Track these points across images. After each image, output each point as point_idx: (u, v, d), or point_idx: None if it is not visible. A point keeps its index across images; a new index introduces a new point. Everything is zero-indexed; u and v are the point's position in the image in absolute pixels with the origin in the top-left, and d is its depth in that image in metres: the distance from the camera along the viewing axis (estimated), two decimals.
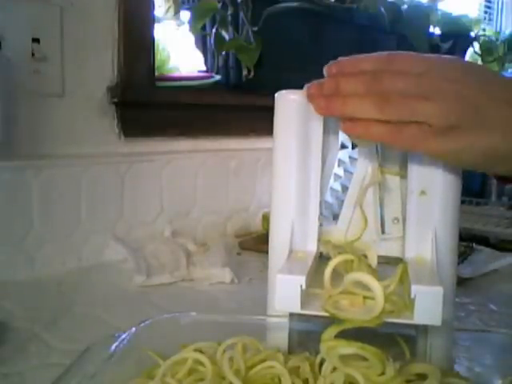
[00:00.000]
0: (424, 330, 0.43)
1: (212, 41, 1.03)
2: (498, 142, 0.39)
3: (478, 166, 0.42)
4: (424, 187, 0.45)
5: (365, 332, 0.37)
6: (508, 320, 0.60)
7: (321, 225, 0.47)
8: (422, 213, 0.45)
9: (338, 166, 0.48)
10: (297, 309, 0.39)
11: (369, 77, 0.40)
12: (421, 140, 0.39)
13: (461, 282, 0.69)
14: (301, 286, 0.39)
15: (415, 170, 0.45)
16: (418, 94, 0.39)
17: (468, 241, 0.86)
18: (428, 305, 0.37)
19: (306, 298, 0.40)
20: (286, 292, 0.39)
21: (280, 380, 0.37)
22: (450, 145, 0.39)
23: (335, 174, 0.48)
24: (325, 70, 0.43)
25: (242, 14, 0.99)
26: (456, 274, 0.46)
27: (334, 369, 0.37)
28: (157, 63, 0.93)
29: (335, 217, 0.48)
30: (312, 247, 0.47)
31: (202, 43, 1.10)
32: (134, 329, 0.39)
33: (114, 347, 0.37)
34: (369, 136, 0.41)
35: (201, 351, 0.39)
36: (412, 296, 0.37)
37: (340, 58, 0.43)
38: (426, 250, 0.44)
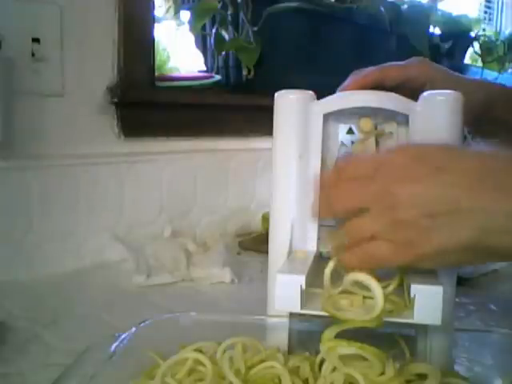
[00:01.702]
0: (424, 329, 0.43)
1: (212, 41, 1.03)
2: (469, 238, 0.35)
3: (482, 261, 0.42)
4: None
5: (365, 332, 0.37)
6: (508, 320, 0.60)
7: (321, 225, 0.48)
8: None
9: None
10: (297, 308, 0.39)
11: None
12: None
13: (461, 281, 0.69)
14: (301, 286, 0.39)
15: None
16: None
17: None
18: (428, 304, 0.37)
19: (306, 297, 0.40)
20: (285, 292, 0.39)
21: (280, 380, 0.37)
22: (425, 264, 0.38)
23: None
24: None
25: (242, 14, 0.99)
26: (456, 274, 0.46)
27: (334, 369, 0.37)
28: (157, 63, 0.93)
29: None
30: (312, 247, 0.47)
31: (202, 43, 1.10)
32: (134, 329, 0.39)
33: (114, 347, 0.37)
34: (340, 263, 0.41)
35: (201, 351, 0.39)
36: (412, 295, 0.37)
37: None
38: None
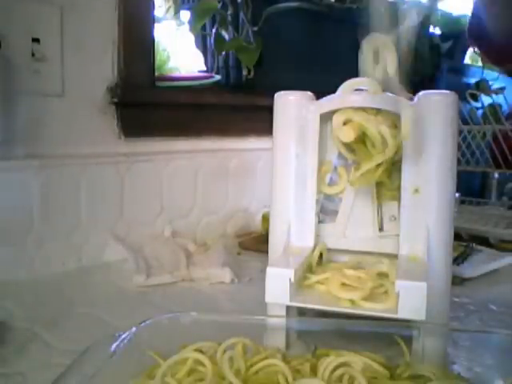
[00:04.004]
0: (418, 329, 0.43)
1: (212, 41, 1.03)
2: None
3: None
4: (417, 185, 0.45)
5: (365, 332, 0.37)
6: (508, 320, 0.60)
7: (320, 222, 0.48)
8: (416, 211, 0.45)
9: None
10: (286, 301, 0.40)
11: None
12: None
13: (461, 281, 0.69)
14: (289, 279, 0.39)
15: (409, 169, 0.45)
16: None
17: (468, 241, 0.86)
18: (412, 299, 0.37)
19: (298, 291, 0.41)
20: (275, 285, 0.40)
21: (279, 380, 0.37)
22: None
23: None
24: None
25: (242, 14, 0.99)
26: (451, 272, 0.46)
27: (335, 369, 0.37)
28: (157, 63, 0.93)
29: (333, 214, 0.48)
30: (310, 243, 0.47)
31: (202, 43, 1.10)
32: (134, 328, 0.39)
33: (114, 347, 0.37)
34: None
35: (201, 351, 0.39)
36: (396, 291, 0.37)
37: None
38: (419, 248, 0.45)
